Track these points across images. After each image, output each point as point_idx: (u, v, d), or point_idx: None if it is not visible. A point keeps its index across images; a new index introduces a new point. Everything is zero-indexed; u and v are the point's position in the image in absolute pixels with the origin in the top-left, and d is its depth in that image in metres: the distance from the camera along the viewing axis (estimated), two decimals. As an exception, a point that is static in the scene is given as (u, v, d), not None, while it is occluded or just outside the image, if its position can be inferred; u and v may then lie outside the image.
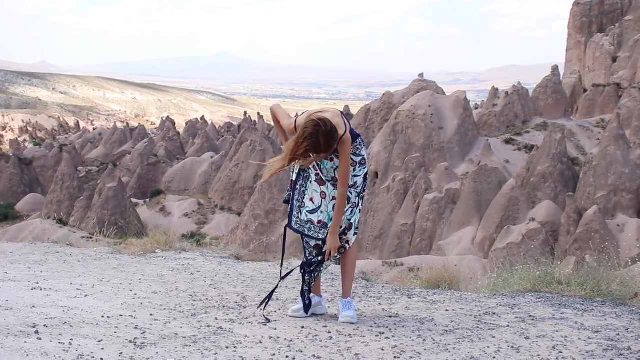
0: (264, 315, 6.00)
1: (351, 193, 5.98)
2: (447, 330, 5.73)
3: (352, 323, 5.89)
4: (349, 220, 5.99)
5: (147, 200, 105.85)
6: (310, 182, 5.97)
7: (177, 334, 5.26)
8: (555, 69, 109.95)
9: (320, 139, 5.57)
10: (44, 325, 5.16)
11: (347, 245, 5.99)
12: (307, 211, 5.94)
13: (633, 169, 71.96)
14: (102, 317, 5.66)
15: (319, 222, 5.93)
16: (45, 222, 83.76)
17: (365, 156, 6.08)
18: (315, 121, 5.60)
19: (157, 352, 4.74)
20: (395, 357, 4.91)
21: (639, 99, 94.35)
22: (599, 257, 9.37)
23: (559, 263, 8.51)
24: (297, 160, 5.83)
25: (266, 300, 6.23)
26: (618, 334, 5.75)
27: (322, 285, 6.88)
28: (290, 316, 6.09)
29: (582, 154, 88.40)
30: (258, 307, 6.29)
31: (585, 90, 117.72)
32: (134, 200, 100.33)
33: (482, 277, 11.19)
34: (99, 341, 4.88)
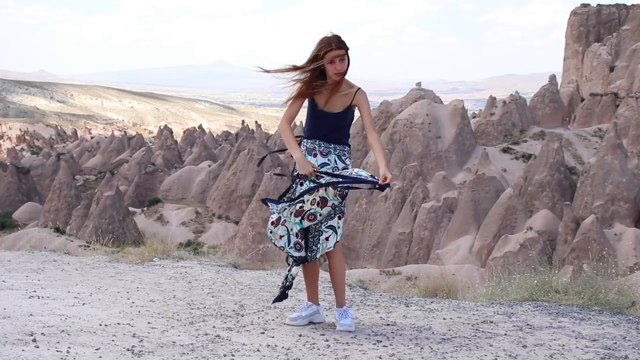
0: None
1: (336, 198, 5.98)
2: (444, 339, 5.73)
3: (350, 331, 5.90)
4: (325, 220, 5.99)
5: (145, 208, 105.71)
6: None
7: (174, 342, 5.25)
8: (552, 78, 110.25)
9: (331, 39, 5.82)
10: (42, 334, 5.15)
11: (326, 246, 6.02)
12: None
13: (630, 178, 72.06)
14: (100, 325, 5.65)
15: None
16: (43, 230, 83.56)
17: (350, 167, 6.09)
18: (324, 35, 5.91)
19: (154, 360, 4.75)
20: (392, 366, 4.92)
21: (636, 108, 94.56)
22: (596, 265, 9.39)
23: (557, 272, 8.50)
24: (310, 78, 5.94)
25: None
26: (615, 343, 5.75)
27: (319, 293, 6.88)
28: (288, 324, 6.10)
29: (580, 163, 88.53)
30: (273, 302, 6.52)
31: (582, 100, 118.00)
32: (131, 208, 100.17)
33: (480, 286, 11.19)
34: (96, 349, 4.87)
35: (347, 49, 5.87)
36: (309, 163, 5.87)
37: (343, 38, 5.89)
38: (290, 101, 6.01)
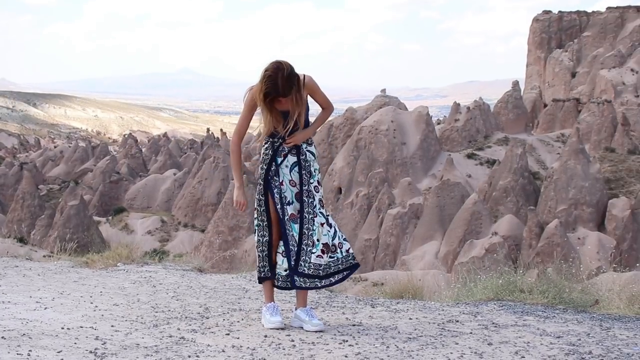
0: None
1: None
2: (410, 338, 5.73)
3: (321, 330, 5.85)
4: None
5: (110, 217, 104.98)
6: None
7: (138, 344, 5.20)
8: (515, 84, 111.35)
9: (279, 82, 5.67)
10: (2, 337, 5.08)
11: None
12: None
13: (593, 183, 72.90)
14: (62, 328, 5.59)
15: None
16: (6, 241, 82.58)
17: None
18: (275, 63, 5.74)
19: (118, 362, 4.70)
20: (358, 364, 4.91)
21: (598, 114, 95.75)
22: (559, 266, 9.45)
23: (522, 272, 8.56)
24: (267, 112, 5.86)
25: None
26: (579, 339, 5.79)
27: (276, 295, 6.81)
28: (270, 328, 5.97)
29: (543, 168, 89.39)
30: None
31: (545, 105, 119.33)
32: (96, 218, 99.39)
33: (446, 289, 11.22)
34: (58, 352, 4.81)
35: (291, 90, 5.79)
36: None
37: (293, 76, 5.76)
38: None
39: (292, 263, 5.90)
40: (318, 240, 5.87)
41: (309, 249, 5.87)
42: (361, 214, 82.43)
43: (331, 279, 5.91)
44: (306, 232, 5.90)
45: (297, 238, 5.90)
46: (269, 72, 5.68)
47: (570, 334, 5.99)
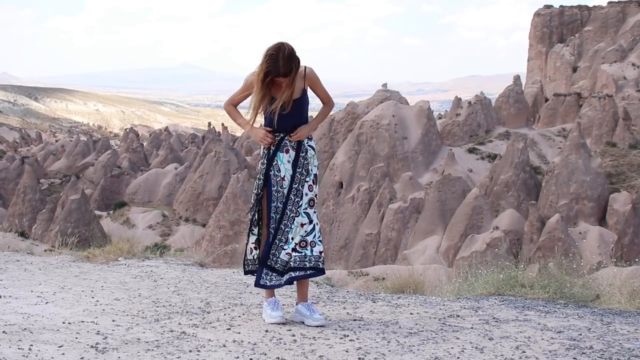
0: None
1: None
2: (411, 333, 5.73)
3: (323, 325, 5.86)
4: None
5: (111, 212, 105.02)
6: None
7: (139, 339, 5.21)
8: (517, 78, 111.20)
9: (280, 61, 5.69)
10: (3, 332, 5.09)
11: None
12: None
13: (594, 177, 72.85)
14: (63, 323, 5.60)
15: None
16: (7, 235, 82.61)
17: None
18: (277, 43, 5.78)
19: (119, 357, 4.70)
20: (359, 358, 4.91)
21: (599, 108, 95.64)
22: (560, 261, 9.45)
23: (522, 267, 8.56)
24: (264, 95, 5.87)
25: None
26: (580, 334, 5.79)
27: (276, 291, 6.80)
28: (271, 323, 5.98)
29: (544, 163, 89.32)
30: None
31: (546, 100, 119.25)
32: (97, 212, 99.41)
33: (447, 284, 11.21)
34: (59, 346, 4.82)
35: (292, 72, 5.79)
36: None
37: (294, 57, 5.77)
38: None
39: (262, 256, 5.96)
40: (292, 238, 5.91)
41: (280, 244, 5.92)
42: (362, 208, 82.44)
43: (292, 273, 5.92)
44: (283, 227, 5.93)
45: (273, 234, 5.94)
46: (270, 52, 5.73)
47: (571, 329, 5.99)
